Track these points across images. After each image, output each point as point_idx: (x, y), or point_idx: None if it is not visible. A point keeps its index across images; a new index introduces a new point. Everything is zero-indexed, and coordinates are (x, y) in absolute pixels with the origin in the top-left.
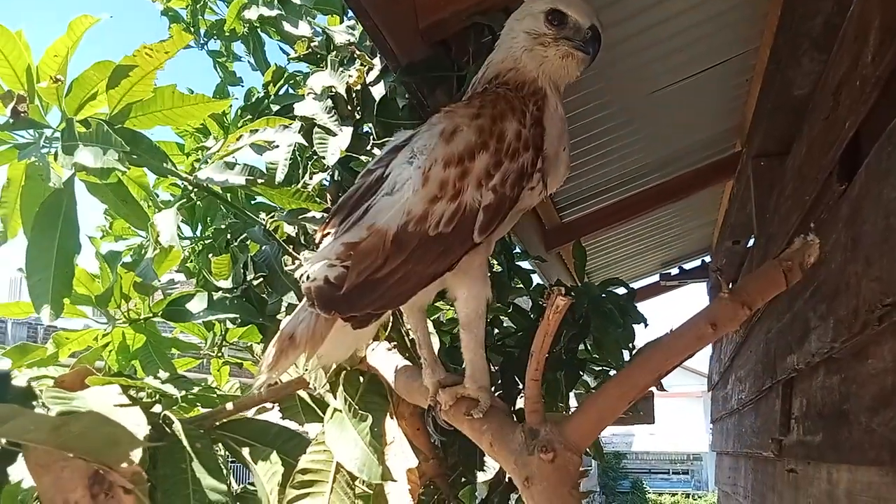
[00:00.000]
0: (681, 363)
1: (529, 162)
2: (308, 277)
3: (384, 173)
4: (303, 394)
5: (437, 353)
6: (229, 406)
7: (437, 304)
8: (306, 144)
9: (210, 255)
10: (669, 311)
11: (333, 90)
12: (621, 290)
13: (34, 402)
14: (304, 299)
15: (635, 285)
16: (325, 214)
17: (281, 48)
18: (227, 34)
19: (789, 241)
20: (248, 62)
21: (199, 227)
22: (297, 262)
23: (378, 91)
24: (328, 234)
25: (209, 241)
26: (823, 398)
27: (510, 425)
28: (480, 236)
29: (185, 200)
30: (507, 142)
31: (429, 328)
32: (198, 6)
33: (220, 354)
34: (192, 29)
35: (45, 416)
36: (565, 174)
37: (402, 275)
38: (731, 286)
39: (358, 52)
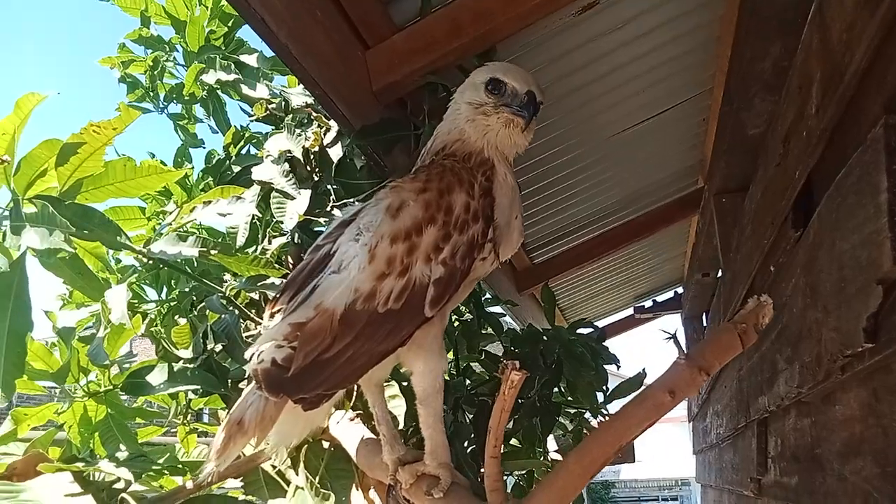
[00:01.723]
0: (640, 434)
1: (480, 233)
2: (256, 358)
3: (331, 250)
4: (267, 467)
5: (403, 412)
6: (189, 484)
7: None
8: (259, 215)
9: (176, 317)
10: (645, 342)
11: (290, 153)
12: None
13: None
14: (252, 382)
15: (610, 319)
16: (284, 281)
17: (242, 108)
18: (186, 98)
19: (752, 282)
20: (209, 125)
21: (164, 290)
22: (258, 329)
23: (335, 152)
24: (278, 311)
25: (174, 303)
26: (797, 440)
27: None
28: (432, 310)
29: (148, 266)
30: (456, 214)
31: (394, 391)
32: (156, 72)
33: (185, 422)
34: (152, 94)
35: None
36: (519, 241)
37: (352, 354)
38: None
39: (315, 114)
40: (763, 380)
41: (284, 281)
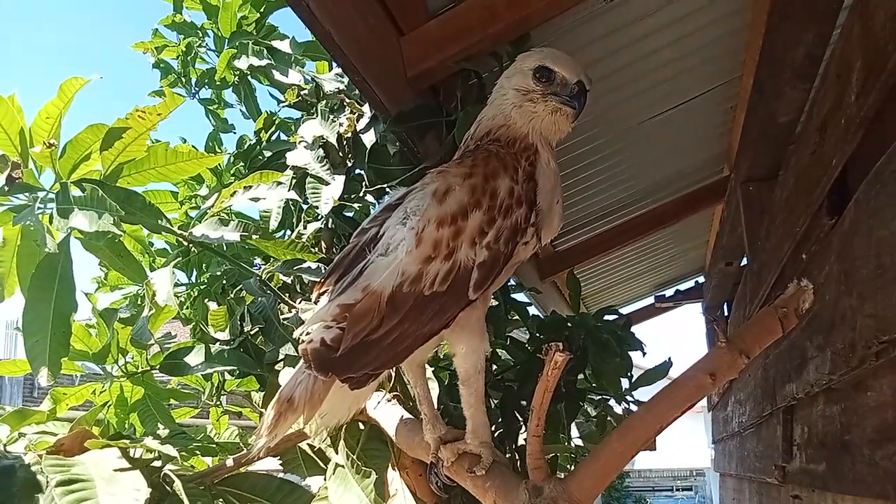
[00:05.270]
0: (681, 415)
1: (523, 217)
2: (305, 338)
3: (378, 233)
4: (304, 446)
5: (437, 394)
6: (229, 462)
7: None
8: (298, 199)
9: (206, 301)
10: (664, 331)
11: (324, 139)
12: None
13: (39, 495)
14: (301, 361)
15: (630, 308)
16: (320, 264)
17: (271, 94)
18: (217, 83)
19: (781, 270)
20: (240, 110)
21: (194, 274)
22: (293, 312)
23: (369, 138)
24: (325, 292)
25: (204, 287)
26: (825, 427)
27: (514, 481)
28: (475, 293)
29: (181, 251)
30: (500, 199)
31: (427, 373)
32: (188, 57)
33: (218, 403)
34: (183, 79)
35: None
36: (559, 226)
37: (398, 335)
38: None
39: (347, 100)
40: (791, 367)
41: (320, 265)
